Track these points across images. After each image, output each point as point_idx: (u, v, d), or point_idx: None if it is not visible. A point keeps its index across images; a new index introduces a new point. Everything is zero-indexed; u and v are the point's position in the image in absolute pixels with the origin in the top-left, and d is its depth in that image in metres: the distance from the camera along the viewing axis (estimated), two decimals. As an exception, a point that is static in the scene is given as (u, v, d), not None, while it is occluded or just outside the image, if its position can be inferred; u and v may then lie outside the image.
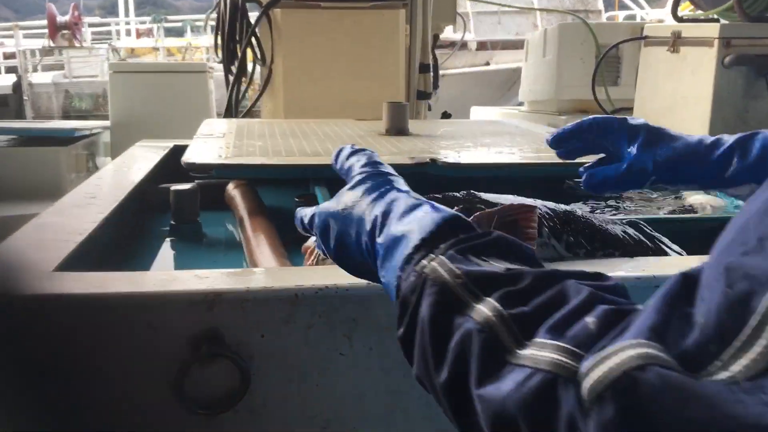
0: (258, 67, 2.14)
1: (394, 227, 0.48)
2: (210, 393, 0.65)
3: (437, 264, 0.41)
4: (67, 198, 1.01)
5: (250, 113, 2.21)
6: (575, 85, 2.29)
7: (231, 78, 2.09)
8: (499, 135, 1.53)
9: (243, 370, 0.65)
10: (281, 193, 1.42)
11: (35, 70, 8.18)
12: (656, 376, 0.27)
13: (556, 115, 2.39)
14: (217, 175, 1.19)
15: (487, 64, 7.16)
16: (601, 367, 0.29)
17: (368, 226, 0.51)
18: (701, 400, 0.26)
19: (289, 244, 1.01)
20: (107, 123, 3.10)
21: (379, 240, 0.49)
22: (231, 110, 2.07)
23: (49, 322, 0.62)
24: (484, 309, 0.37)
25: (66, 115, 7.39)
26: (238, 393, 0.65)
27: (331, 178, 1.17)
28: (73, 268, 0.74)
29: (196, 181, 1.34)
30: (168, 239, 1.13)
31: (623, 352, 0.29)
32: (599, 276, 0.39)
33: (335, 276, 0.68)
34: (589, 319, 0.34)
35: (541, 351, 0.33)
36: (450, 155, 1.24)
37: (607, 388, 0.28)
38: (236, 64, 2.09)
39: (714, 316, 0.28)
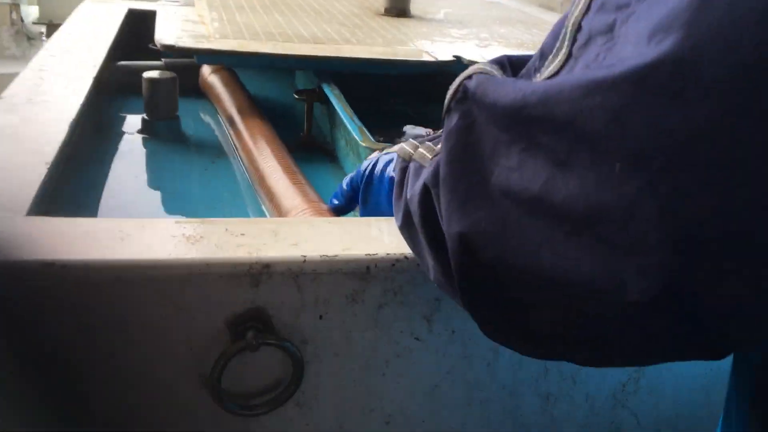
0: None
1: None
2: (254, 389, 0.51)
3: (405, 144, 0.46)
4: (15, 89, 0.79)
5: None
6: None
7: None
8: (510, 23, 1.35)
9: (296, 361, 0.50)
10: (265, 80, 1.21)
11: None
12: (475, 79, 0.33)
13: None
14: (199, 62, 0.98)
15: None
16: (450, 88, 0.34)
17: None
18: (491, 88, 0.31)
19: (290, 152, 0.84)
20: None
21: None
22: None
23: (37, 300, 0.45)
24: (420, 149, 0.43)
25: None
26: (288, 388, 0.51)
27: (338, 72, 0.98)
28: (47, 208, 0.56)
29: (163, 60, 1.13)
30: (141, 140, 0.93)
31: (464, 72, 0.34)
32: None
33: (416, 243, 0.52)
34: None
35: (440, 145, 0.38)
36: (471, 51, 1.06)
37: (451, 101, 0.34)
38: None
39: (543, 41, 0.34)
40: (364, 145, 0.74)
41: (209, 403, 0.50)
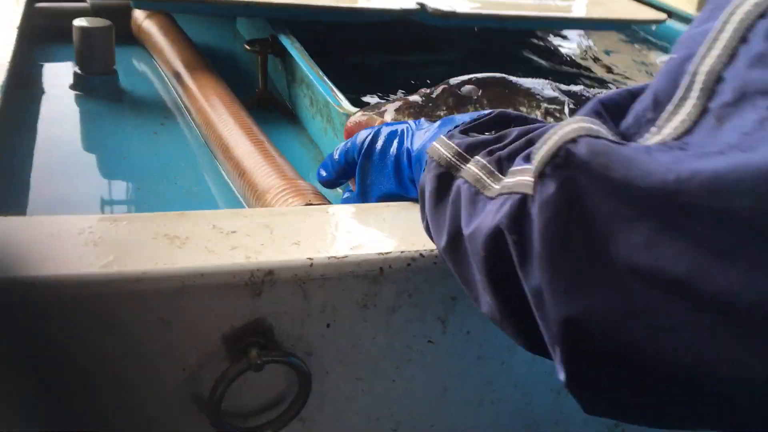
0: None
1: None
2: (255, 407, 0.45)
3: (437, 144, 0.41)
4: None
5: None
6: None
7: None
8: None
9: (303, 375, 0.45)
10: (201, 24, 1.10)
11: None
12: (585, 145, 0.27)
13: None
14: (136, 6, 0.87)
15: None
16: (543, 147, 0.29)
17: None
18: (619, 162, 0.26)
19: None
20: None
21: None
22: None
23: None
24: (471, 166, 0.38)
25: None
26: (294, 405, 0.45)
27: (294, 22, 0.89)
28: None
29: (89, 1, 1.00)
30: (74, 97, 0.82)
31: (562, 129, 0.29)
32: None
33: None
34: None
35: (512, 178, 0.33)
36: (434, -2, 0.99)
37: (546, 165, 0.28)
38: None
39: (654, 86, 0.29)
40: (341, 111, 0.67)
41: (205, 427, 0.44)
